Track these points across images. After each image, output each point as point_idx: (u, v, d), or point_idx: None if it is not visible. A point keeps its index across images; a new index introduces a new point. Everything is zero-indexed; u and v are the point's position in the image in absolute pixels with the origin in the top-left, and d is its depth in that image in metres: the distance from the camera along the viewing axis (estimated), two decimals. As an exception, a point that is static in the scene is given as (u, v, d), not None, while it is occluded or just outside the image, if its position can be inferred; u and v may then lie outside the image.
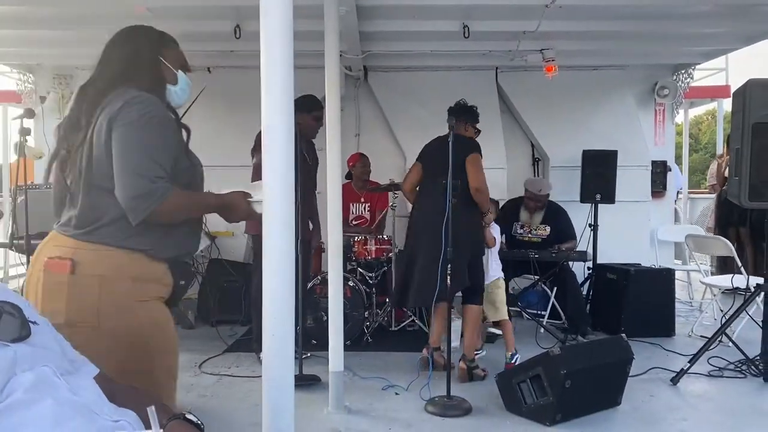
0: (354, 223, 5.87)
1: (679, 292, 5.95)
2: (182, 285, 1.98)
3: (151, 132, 1.79)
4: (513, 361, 4.21)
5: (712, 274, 6.40)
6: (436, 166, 3.96)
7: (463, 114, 4.26)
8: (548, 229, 5.48)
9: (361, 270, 5.27)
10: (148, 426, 1.24)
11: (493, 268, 4.36)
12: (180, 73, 2.01)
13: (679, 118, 8.21)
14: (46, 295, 1.78)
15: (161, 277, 1.89)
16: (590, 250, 5.64)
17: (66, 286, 1.75)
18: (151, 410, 1.20)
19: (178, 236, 1.92)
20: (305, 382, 3.90)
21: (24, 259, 4.71)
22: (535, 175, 6.66)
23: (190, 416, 1.33)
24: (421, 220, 4.16)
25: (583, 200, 5.92)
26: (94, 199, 1.80)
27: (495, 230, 4.39)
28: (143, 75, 1.91)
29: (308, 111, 4.34)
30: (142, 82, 1.89)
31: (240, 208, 1.96)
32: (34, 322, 1.31)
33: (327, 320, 3.74)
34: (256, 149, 4.31)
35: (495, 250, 4.37)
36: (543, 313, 5.41)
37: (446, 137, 3.72)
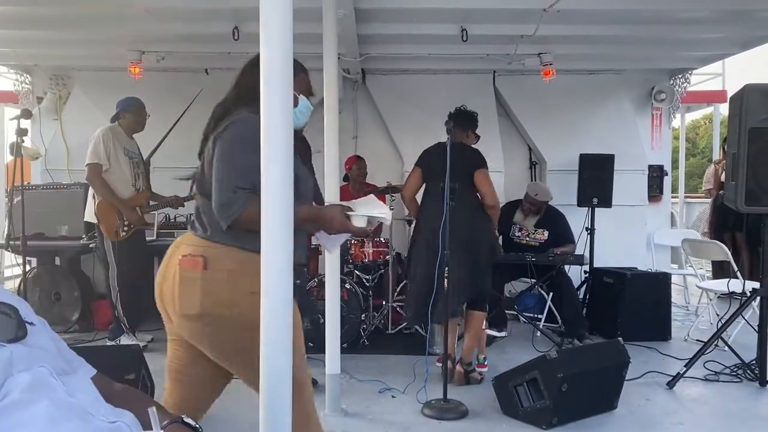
0: (351, 225, 5.86)
1: (676, 297, 5.97)
2: (297, 284, 2.08)
3: (239, 148, 1.96)
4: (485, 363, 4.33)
5: (709, 278, 6.42)
6: (439, 172, 3.85)
7: (465, 120, 4.24)
8: (546, 233, 5.48)
9: (357, 272, 5.27)
10: (146, 427, 1.23)
11: None
12: (302, 98, 2.19)
13: (676, 122, 8.24)
14: (182, 289, 1.97)
15: None
16: (587, 254, 5.65)
17: (199, 280, 1.95)
18: (152, 411, 1.20)
19: None
20: (302, 384, 3.89)
21: (20, 260, 4.69)
22: (532, 179, 6.66)
23: (187, 420, 1.33)
24: (431, 227, 3.94)
25: (580, 204, 5.93)
26: (206, 203, 2.02)
27: None
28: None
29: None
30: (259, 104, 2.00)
31: (335, 221, 2.04)
32: (30, 323, 1.31)
33: (324, 323, 3.74)
34: None
35: None
36: (540, 316, 5.42)
37: (456, 143, 3.79)
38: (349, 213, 2.03)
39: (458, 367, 4.06)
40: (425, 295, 3.92)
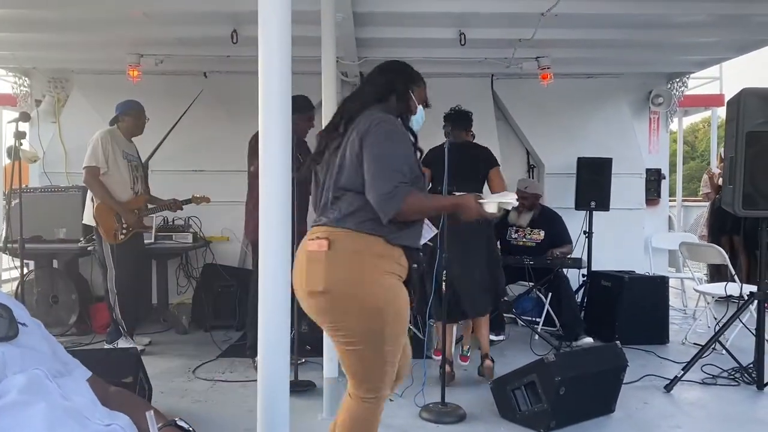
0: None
1: (673, 300, 5.97)
2: (415, 268, 2.28)
3: (394, 145, 2.19)
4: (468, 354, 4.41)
5: (706, 281, 6.42)
6: (453, 173, 3.90)
7: (464, 120, 4.28)
8: (542, 233, 5.49)
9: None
10: (141, 430, 1.23)
11: None
12: (420, 107, 2.43)
13: (674, 126, 8.26)
14: (309, 268, 2.15)
15: (399, 258, 2.21)
16: (585, 257, 5.65)
17: (324, 258, 2.12)
18: (150, 414, 1.20)
19: (409, 232, 2.24)
20: (300, 388, 3.89)
21: (18, 262, 4.69)
22: (530, 182, 6.67)
23: (181, 423, 1.33)
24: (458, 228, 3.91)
25: (577, 207, 5.94)
26: (340, 196, 2.20)
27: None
28: (392, 101, 2.35)
29: (303, 111, 4.33)
30: (390, 106, 2.33)
31: (471, 208, 2.28)
32: (23, 324, 1.31)
33: (321, 326, 3.73)
34: (254, 156, 4.28)
35: None
36: (538, 319, 5.41)
37: (464, 142, 4.00)
38: (481, 201, 2.30)
39: (487, 362, 4.13)
40: (463, 292, 4.00)
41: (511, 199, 2.37)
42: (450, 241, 3.72)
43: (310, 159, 2.43)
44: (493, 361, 4.18)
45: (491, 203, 2.31)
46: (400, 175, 2.13)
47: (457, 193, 2.32)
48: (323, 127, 2.46)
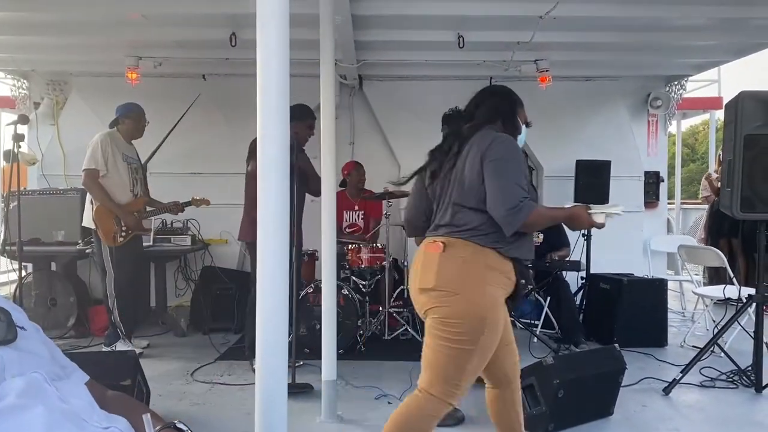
0: (347, 230, 5.88)
1: (672, 303, 5.97)
2: (522, 284, 2.41)
3: (515, 162, 2.35)
4: None
5: (705, 284, 6.43)
6: None
7: (461, 121, 4.28)
8: (541, 236, 5.48)
9: (354, 278, 5.27)
10: (139, 433, 1.23)
11: None
12: (523, 126, 2.61)
13: (673, 128, 8.27)
14: (425, 266, 2.35)
15: (508, 271, 2.35)
16: (583, 260, 5.66)
17: (437, 260, 2.31)
18: (146, 417, 1.20)
19: (521, 244, 2.38)
20: (298, 390, 3.89)
21: (16, 265, 4.68)
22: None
23: (180, 425, 1.33)
24: None
25: (576, 210, 5.93)
26: (458, 212, 2.36)
27: None
28: (502, 121, 2.53)
29: (302, 119, 4.35)
30: (498, 127, 2.50)
31: (582, 218, 2.40)
32: (22, 327, 1.31)
33: (320, 328, 3.74)
34: (251, 157, 4.30)
35: None
36: (536, 322, 5.41)
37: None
38: (591, 211, 2.41)
39: None
40: None
41: (618, 210, 2.45)
42: None
43: (426, 176, 2.56)
44: None
45: (600, 213, 2.41)
46: (522, 190, 2.28)
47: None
48: (434, 147, 2.60)
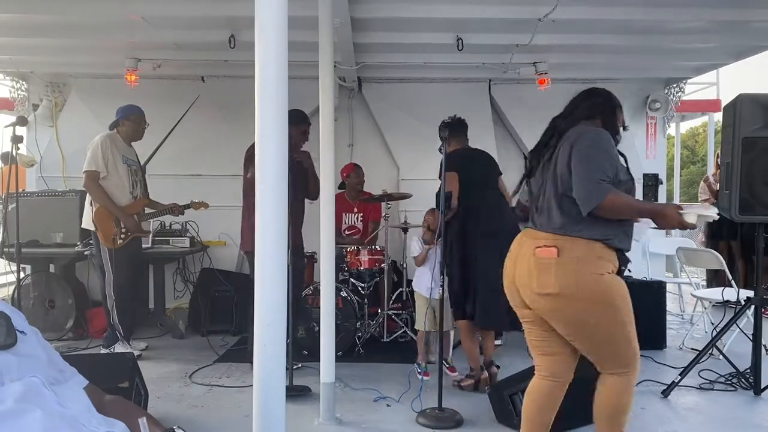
0: (346, 233, 5.88)
1: (671, 305, 5.97)
2: (622, 270, 2.55)
3: (600, 149, 2.48)
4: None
5: (703, 287, 6.43)
6: (475, 176, 4.06)
7: (461, 128, 4.30)
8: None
9: (353, 280, 5.26)
10: (137, 437, 1.23)
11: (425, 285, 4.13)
12: (620, 128, 2.76)
13: (672, 131, 8.28)
14: (540, 272, 2.48)
15: (613, 260, 2.51)
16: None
17: (554, 265, 2.45)
18: (142, 421, 1.19)
19: (621, 235, 2.52)
20: (296, 393, 3.89)
21: (14, 267, 4.68)
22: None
23: (179, 431, 1.33)
24: (479, 231, 3.98)
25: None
26: (562, 204, 2.49)
27: (417, 244, 4.38)
28: (600, 118, 2.67)
29: (297, 125, 4.31)
30: (596, 124, 2.64)
31: (672, 217, 2.43)
32: (21, 332, 1.31)
33: (318, 331, 3.73)
34: (249, 163, 4.26)
35: (427, 266, 4.27)
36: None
37: (475, 149, 4.20)
38: (682, 211, 2.42)
39: (493, 369, 4.12)
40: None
41: (712, 212, 2.43)
42: (486, 247, 3.86)
43: (524, 176, 2.82)
44: (498, 367, 4.18)
45: (692, 214, 2.40)
46: (602, 174, 2.39)
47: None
48: (533, 147, 2.78)
